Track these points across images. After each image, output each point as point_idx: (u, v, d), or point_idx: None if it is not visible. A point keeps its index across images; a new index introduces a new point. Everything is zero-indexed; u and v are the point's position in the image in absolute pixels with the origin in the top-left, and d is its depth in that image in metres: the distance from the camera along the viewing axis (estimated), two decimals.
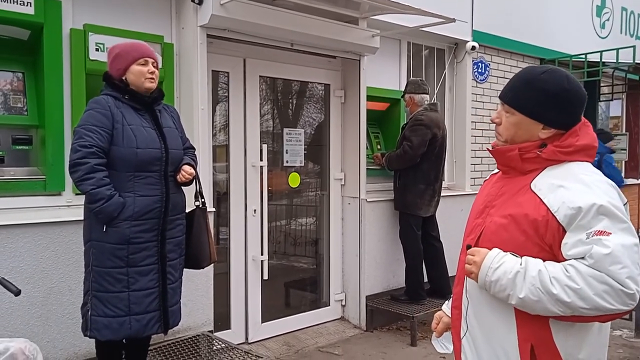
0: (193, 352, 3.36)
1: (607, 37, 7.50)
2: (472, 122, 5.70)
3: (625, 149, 7.52)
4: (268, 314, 4.38)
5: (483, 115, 5.89)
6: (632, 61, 6.34)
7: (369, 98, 4.69)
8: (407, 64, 5.29)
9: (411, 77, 5.08)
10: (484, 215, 1.61)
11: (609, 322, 1.53)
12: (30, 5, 2.99)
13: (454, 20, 4.18)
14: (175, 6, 3.66)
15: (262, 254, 4.22)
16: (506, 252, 1.49)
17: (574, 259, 1.39)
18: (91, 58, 3.21)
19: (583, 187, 1.43)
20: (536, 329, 1.47)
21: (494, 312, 1.54)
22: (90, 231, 2.65)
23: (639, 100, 8.31)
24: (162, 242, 2.70)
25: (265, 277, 4.23)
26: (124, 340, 2.82)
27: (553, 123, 1.53)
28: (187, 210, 2.93)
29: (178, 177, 2.77)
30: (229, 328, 4.14)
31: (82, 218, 2.74)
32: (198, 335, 3.58)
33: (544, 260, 1.43)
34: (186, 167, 2.79)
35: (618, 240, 1.36)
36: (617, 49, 6.04)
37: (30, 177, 3.11)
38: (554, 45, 6.62)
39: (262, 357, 3.36)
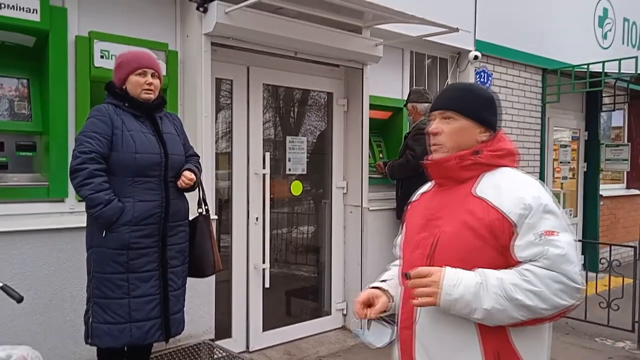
0: None
1: (609, 47, 7.52)
2: None
3: (627, 160, 7.51)
4: (269, 323, 4.37)
5: None
6: (634, 72, 6.35)
7: (372, 107, 4.70)
8: (410, 73, 5.31)
9: (414, 86, 5.09)
10: (430, 229, 1.60)
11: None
12: (36, 13, 3.00)
13: (457, 29, 4.19)
14: (180, 14, 3.68)
15: (263, 262, 4.21)
16: (460, 262, 1.49)
17: (529, 261, 1.44)
18: (96, 65, 3.23)
19: (526, 187, 1.51)
20: (498, 337, 1.50)
21: (456, 328, 1.52)
22: (91, 237, 2.66)
23: None
24: (163, 248, 2.70)
25: (267, 285, 4.22)
26: (125, 348, 2.80)
27: (491, 125, 1.63)
28: (190, 218, 2.93)
29: (178, 182, 2.77)
30: (230, 336, 4.12)
31: (84, 225, 2.74)
32: (199, 344, 3.56)
33: (497, 263, 1.47)
34: (186, 173, 2.79)
35: (565, 239, 1.44)
36: (619, 60, 6.05)
37: (34, 184, 3.11)
38: (556, 55, 6.64)
39: None
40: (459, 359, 1.53)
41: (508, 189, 1.51)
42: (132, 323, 2.62)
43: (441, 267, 1.48)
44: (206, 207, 3.00)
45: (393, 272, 1.82)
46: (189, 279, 2.93)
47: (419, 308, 1.58)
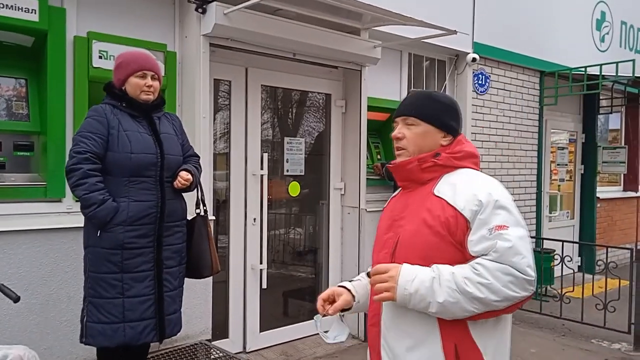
0: None
1: (606, 50, 7.55)
2: (472, 133, 5.72)
3: (624, 162, 7.52)
4: (266, 323, 4.37)
5: (483, 127, 5.91)
6: (631, 74, 6.38)
7: (370, 108, 4.71)
8: (408, 75, 5.32)
9: (412, 88, 5.10)
10: (394, 228, 1.70)
11: (509, 327, 1.67)
12: (35, 12, 3.00)
13: (455, 32, 4.20)
14: (178, 15, 3.69)
15: (261, 263, 4.21)
16: (420, 259, 1.56)
17: (481, 255, 1.50)
18: (94, 65, 3.23)
19: (480, 185, 1.58)
20: (457, 329, 1.55)
21: (416, 322, 1.59)
22: (87, 237, 2.67)
23: (638, 113, 8.34)
24: (159, 249, 2.70)
25: (264, 286, 4.22)
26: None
27: (452, 130, 1.71)
28: (188, 218, 2.93)
29: (174, 183, 2.76)
30: (227, 337, 4.12)
31: (82, 225, 2.74)
32: (196, 344, 3.56)
33: (456, 259, 1.53)
34: (182, 173, 2.78)
35: (515, 233, 1.50)
36: (617, 63, 6.07)
37: (31, 184, 3.11)
38: (554, 58, 6.66)
39: None
40: (420, 352, 1.59)
41: (463, 187, 1.59)
42: (126, 323, 2.61)
43: (401, 264, 1.56)
44: (204, 207, 2.99)
45: (364, 281, 1.88)
46: (186, 280, 2.93)
47: (383, 305, 1.68)
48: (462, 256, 1.54)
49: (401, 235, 1.65)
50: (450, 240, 1.55)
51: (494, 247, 1.48)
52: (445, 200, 1.58)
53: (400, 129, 1.74)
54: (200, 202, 2.98)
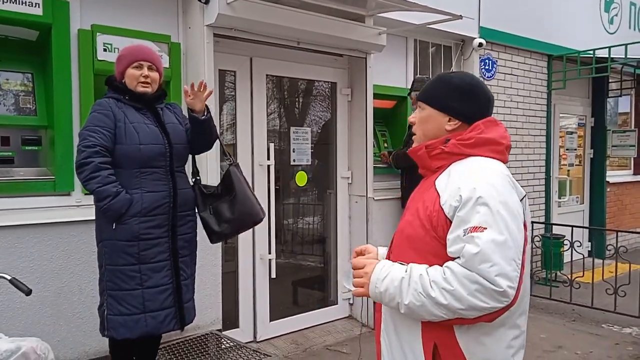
0: (202, 350, 3.38)
1: (615, 32, 7.44)
2: None
3: (634, 145, 7.46)
4: (276, 313, 4.39)
5: None
6: None
7: (376, 96, 4.69)
8: (414, 62, 5.28)
9: (418, 75, 5.07)
10: (403, 216, 1.67)
11: (520, 322, 1.53)
12: (39, 6, 3.01)
13: (460, 17, 4.16)
14: (182, 6, 3.68)
15: (269, 253, 4.23)
16: (411, 250, 1.52)
17: (455, 257, 1.40)
18: (99, 58, 3.23)
19: (468, 178, 1.45)
20: (440, 329, 1.47)
21: (403, 317, 1.54)
22: (101, 231, 2.68)
23: None
24: (174, 238, 2.72)
25: (273, 275, 4.24)
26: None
27: (457, 114, 1.58)
28: (222, 174, 2.94)
29: (190, 92, 2.74)
30: (237, 327, 4.15)
31: (91, 218, 2.76)
32: (207, 334, 3.59)
33: (442, 255, 1.44)
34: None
35: (490, 237, 1.35)
36: (626, 45, 5.99)
37: (40, 178, 3.13)
38: (562, 41, 6.58)
39: (270, 356, 3.36)
40: (405, 342, 1.57)
41: (453, 179, 1.49)
42: (147, 313, 2.63)
43: (382, 259, 1.56)
44: (231, 156, 2.95)
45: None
46: (196, 271, 2.94)
47: None
48: (447, 254, 1.45)
49: (400, 223, 1.64)
50: (434, 235, 1.47)
51: (463, 250, 1.37)
52: (437, 192, 1.50)
53: (414, 114, 1.70)
54: (224, 152, 2.98)
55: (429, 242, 1.48)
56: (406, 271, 1.45)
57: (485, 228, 1.36)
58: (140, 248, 2.62)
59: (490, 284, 1.33)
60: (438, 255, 1.45)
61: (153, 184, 2.66)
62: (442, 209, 1.45)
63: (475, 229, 1.37)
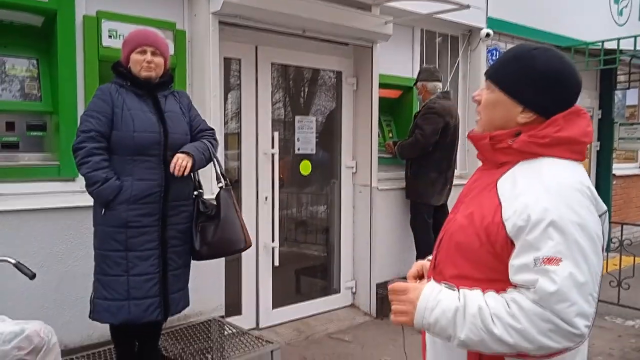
0: (204, 336, 3.40)
1: (624, 24, 7.36)
2: None
3: None
4: (279, 300, 4.42)
5: None
6: None
7: (382, 86, 4.67)
8: (420, 52, 5.25)
9: (424, 65, 5.04)
10: (455, 212, 1.45)
11: (585, 349, 1.37)
12: None
13: (468, 6, 4.13)
14: None
15: (273, 241, 4.24)
16: (461, 258, 1.34)
17: (521, 287, 1.22)
18: (104, 45, 3.23)
19: (541, 192, 1.22)
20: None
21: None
22: (95, 215, 2.71)
23: None
24: (164, 228, 2.70)
25: (277, 263, 4.26)
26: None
27: (531, 104, 1.32)
28: (208, 197, 2.92)
29: (170, 168, 2.64)
30: (240, 314, 4.18)
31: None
32: (209, 320, 3.62)
33: (497, 272, 1.27)
34: (178, 157, 2.65)
35: (567, 271, 1.16)
36: (635, 37, 5.92)
37: (45, 163, 3.15)
38: (571, 32, 6.51)
39: (272, 343, 3.39)
40: (452, 349, 1.37)
41: (521, 189, 1.25)
42: (131, 301, 2.63)
43: (433, 278, 1.37)
44: (225, 181, 2.90)
45: None
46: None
47: None
48: (504, 269, 1.25)
49: (450, 226, 1.42)
50: (490, 250, 1.27)
51: (534, 284, 1.18)
52: (499, 199, 1.28)
53: (480, 91, 1.42)
54: (220, 175, 2.89)
55: (483, 255, 1.29)
56: (460, 300, 1.25)
57: (561, 259, 1.16)
58: (127, 235, 2.62)
59: (568, 325, 1.16)
60: (495, 269, 1.28)
61: (145, 172, 2.65)
62: (504, 225, 1.24)
63: (549, 260, 1.17)
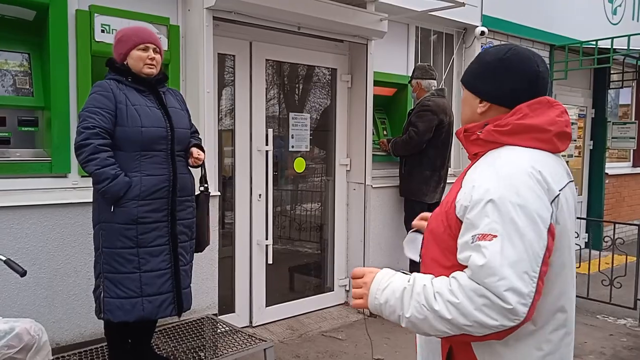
0: (197, 334, 3.39)
1: (618, 23, 7.39)
2: None
3: (634, 138, 7.43)
4: (272, 298, 4.40)
5: None
6: None
7: (376, 83, 4.66)
8: (415, 49, 5.24)
9: (419, 62, 5.03)
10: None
11: (553, 337, 1.35)
12: None
13: (463, 4, 4.12)
14: None
15: (266, 239, 4.23)
16: (436, 247, 1.39)
17: (463, 267, 1.26)
18: (97, 40, 3.20)
19: (487, 175, 1.29)
20: (458, 342, 1.36)
21: None
22: (99, 213, 2.66)
23: None
24: (173, 223, 2.71)
25: (270, 261, 4.24)
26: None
27: (483, 94, 1.41)
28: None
29: (191, 160, 2.80)
30: (234, 311, 4.16)
31: (88, 200, 2.75)
32: (202, 318, 3.60)
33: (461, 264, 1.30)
34: (196, 150, 2.83)
35: (498, 247, 1.19)
36: (629, 36, 5.95)
37: (36, 159, 3.11)
38: (565, 31, 6.53)
39: (265, 341, 3.38)
40: (432, 345, 1.47)
41: (478, 174, 1.32)
42: (144, 297, 2.63)
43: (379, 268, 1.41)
44: (206, 184, 3.00)
45: None
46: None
47: None
48: None
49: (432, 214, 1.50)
50: (450, 234, 1.33)
51: (469, 260, 1.23)
52: (461, 185, 1.35)
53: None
54: (203, 179, 2.99)
55: (446, 239, 1.35)
56: (409, 281, 1.31)
57: (495, 236, 1.20)
58: (138, 231, 2.61)
59: (499, 299, 1.18)
60: (455, 257, 1.32)
61: (153, 167, 2.64)
62: (455, 207, 1.31)
63: (483, 236, 1.21)
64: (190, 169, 2.88)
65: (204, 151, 2.90)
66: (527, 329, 1.29)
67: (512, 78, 1.38)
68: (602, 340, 4.30)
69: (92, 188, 2.67)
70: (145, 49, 2.68)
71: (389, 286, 1.33)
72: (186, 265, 2.81)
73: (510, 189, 1.23)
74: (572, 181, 1.41)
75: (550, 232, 1.24)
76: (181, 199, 2.76)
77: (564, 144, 1.38)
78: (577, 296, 5.01)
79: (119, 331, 2.82)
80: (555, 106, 1.38)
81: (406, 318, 1.29)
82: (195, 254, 2.97)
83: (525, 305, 1.18)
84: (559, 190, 1.29)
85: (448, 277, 1.28)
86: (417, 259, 1.62)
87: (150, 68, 2.70)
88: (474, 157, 1.44)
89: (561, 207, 1.30)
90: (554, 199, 1.28)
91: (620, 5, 7.46)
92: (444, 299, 1.23)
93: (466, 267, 1.25)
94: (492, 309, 1.19)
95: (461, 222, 1.29)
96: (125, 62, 2.70)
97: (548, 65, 6.57)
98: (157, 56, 2.74)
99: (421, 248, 1.53)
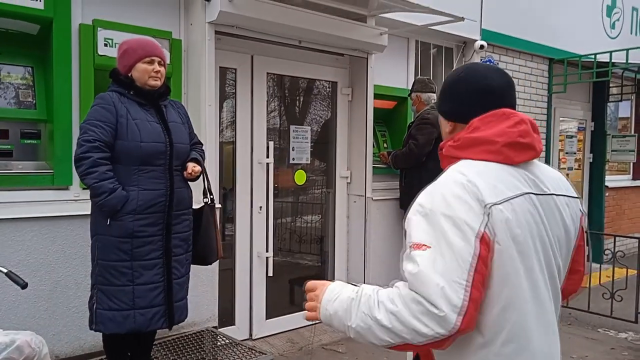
0: (197, 347, 3.38)
1: (617, 37, 7.45)
2: None
3: (633, 151, 7.46)
4: (272, 311, 4.39)
5: None
6: None
7: (376, 96, 4.69)
8: (415, 63, 5.28)
9: (418, 76, 5.07)
10: None
11: (507, 350, 1.30)
12: (40, 0, 3.00)
13: (462, 19, 4.16)
14: (183, 2, 3.67)
15: (267, 251, 4.23)
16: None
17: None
18: (100, 53, 3.23)
19: (429, 187, 1.33)
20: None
21: None
22: (95, 225, 2.68)
23: None
24: (168, 237, 2.72)
25: (270, 273, 4.24)
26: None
27: (446, 114, 1.49)
28: (195, 207, 2.95)
29: (185, 173, 2.79)
30: (234, 324, 4.15)
31: (89, 212, 2.76)
32: (202, 331, 3.59)
33: None
34: (191, 165, 2.82)
35: (429, 255, 1.22)
36: (627, 50, 5.99)
37: (38, 171, 3.13)
38: (563, 45, 6.58)
39: (266, 354, 3.37)
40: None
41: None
42: (136, 310, 2.64)
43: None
44: (211, 196, 3.02)
45: None
46: (192, 267, 2.95)
47: None
48: None
49: None
50: None
51: (405, 270, 1.26)
52: None
53: None
54: (207, 191, 3.00)
55: None
56: (357, 292, 1.33)
57: (425, 246, 1.24)
58: (133, 245, 2.62)
59: (432, 305, 1.19)
60: None
61: (150, 181, 2.66)
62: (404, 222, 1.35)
63: (417, 246, 1.25)
64: (189, 182, 2.90)
65: (201, 165, 2.90)
66: (477, 341, 1.30)
67: (465, 95, 1.42)
68: (603, 354, 4.28)
69: (91, 200, 2.69)
70: (151, 62, 2.71)
71: (338, 298, 1.35)
72: (180, 278, 2.81)
73: (441, 200, 1.27)
74: (544, 194, 1.37)
75: (483, 240, 1.22)
76: (178, 212, 2.76)
77: (521, 154, 1.35)
78: (578, 309, 4.97)
79: (117, 344, 2.81)
80: (510, 117, 1.37)
81: (352, 328, 1.30)
82: (198, 266, 2.97)
83: (457, 313, 1.18)
84: (498, 202, 1.26)
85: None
86: None
87: (155, 80, 2.72)
88: None
89: (499, 217, 1.25)
90: (486, 208, 1.25)
91: (618, 20, 7.52)
92: (385, 306, 1.25)
93: None
94: (426, 316, 1.20)
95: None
96: (129, 75, 2.72)
97: (547, 79, 6.60)
98: (162, 69, 2.76)
99: None
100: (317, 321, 1.42)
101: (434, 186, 1.32)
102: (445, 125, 1.50)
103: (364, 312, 1.28)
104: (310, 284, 1.45)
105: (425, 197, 1.30)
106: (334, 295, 1.36)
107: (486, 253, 1.23)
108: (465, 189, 1.27)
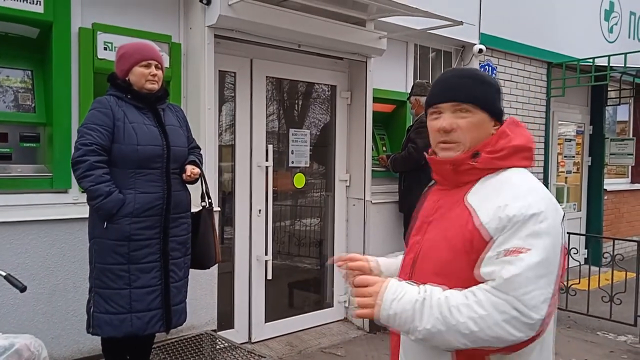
0: (196, 350, 3.37)
1: (615, 41, 7.47)
2: None
3: (632, 154, 7.47)
4: (271, 314, 4.39)
5: None
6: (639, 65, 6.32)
7: (375, 100, 4.70)
8: (414, 66, 5.30)
9: (417, 80, 5.08)
10: (422, 233, 1.49)
11: (550, 343, 1.39)
12: (40, 4, 3.01)
13: (461, 23, 4.17)
14: (183, 6, 3.68)
15: (266, 254, 4.23)
16: (435, 276, 1.36)
17: (485, 280, 1.27)
18: (99, 57, 3.23)
19: (515, 193, 1.31)
20: (474, 356, 1.33)
21: (432, 348, 1.37)
22: (93, 228, 2.68)
23: None
24: (165, 240, 2.72)
25: (269, 277, 4.24)
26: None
27: (499, 117, 1.45)
28: (193, 210, 2.95)
29: (184, 176, 2.80)
30: (232, 327, 4.15)
31: (87, 216, 2.76)
32: (201, 334, 3.59)
33: (474, 283, 1.30)
34: (190, 167, 2.82)
35: (529, 261, 1.22)
36: (625, 54, 6.01)
37: (37, 175, 3.13)
38: (562, 49, 6.60)
39: (265, 357, 3.36)
40: None
41: (495, 195, 1.32)
42: (133, 313, 2.63)
43: (419, 280, 1.36)
44: (209, 200, 3.02)
45: (397, 260, 1.70)
46: (191, 270, 2.95)
47: None
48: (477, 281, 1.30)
49: (423, 245, 1.46)
50: (468, 260, 1.31)
51: (496, 273, 1.23)
52: (470, 211, 1.34)
53: (452, 119, 1.42)
54: (205, 194, 3.00)
55: (461, 267, 1.32)
56: (425, 292, 1.29)
57: (529, 249, 1.22)
58: (130, 248, 2.62)
59: (528, 310, 1.20)
60: (467, 280, 1.30)
61: (147, 185, 2.66)
62: (485, 229, 1.29)
63: (515, 251, 1.23)
64: (188, 185, 2.90)
65: (200, 167, 2.91)
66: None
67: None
68: (602, 357, 4.28)
69: (88, 203, 2.68)
70: (148, 66, 2.72)
71: (403, 297, 1.30)
72: (178, 282, 2.80)
73: (549, 206, 1.29)
74: None
75: (563, 251, 1.29)
76: (175, 216, 2.77)
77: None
78: (577, 312, 4.98)
79: (115, 347, 2.81)
80: (521, 124, 1.48)
81: (421, 330, 1.26)
82: (197, 270, 2.97)
83: (543, 318, 1.22)
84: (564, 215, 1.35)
85: (460, 290, 1.28)
86: None
87: (152, 84, 2.73)
88: (461, 184, 1.42)
89: (564, 229, 1.33)
90: (563, 221, 1.34)
91: (616, 24, 7.55)
92: (463, 313, 1.23)
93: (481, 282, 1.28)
94: (512, 324, 1.20)
95: (493, 240, 1.28)
96: (127, 78, 2.73)
97: (546, 83, 6.61)
98: (159, 72, 2.77)
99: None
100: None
101: (523, 190, 1.32)
102: (490, 128, 1.43)
103: (435, 316, 1.25)
104: (362, 279, 1.38)
105: (529, 201, 1.28)
106: (399, 294, 1.31)
107: (565, 263, 1.30)
108: (551, 199, 1.33)
